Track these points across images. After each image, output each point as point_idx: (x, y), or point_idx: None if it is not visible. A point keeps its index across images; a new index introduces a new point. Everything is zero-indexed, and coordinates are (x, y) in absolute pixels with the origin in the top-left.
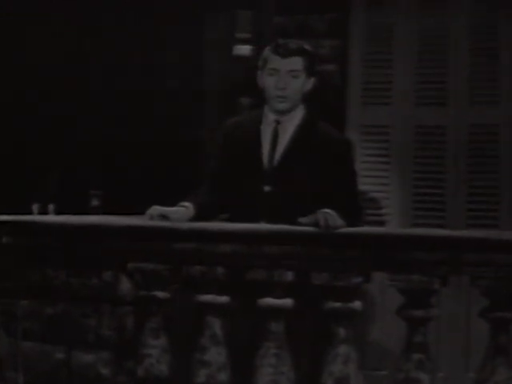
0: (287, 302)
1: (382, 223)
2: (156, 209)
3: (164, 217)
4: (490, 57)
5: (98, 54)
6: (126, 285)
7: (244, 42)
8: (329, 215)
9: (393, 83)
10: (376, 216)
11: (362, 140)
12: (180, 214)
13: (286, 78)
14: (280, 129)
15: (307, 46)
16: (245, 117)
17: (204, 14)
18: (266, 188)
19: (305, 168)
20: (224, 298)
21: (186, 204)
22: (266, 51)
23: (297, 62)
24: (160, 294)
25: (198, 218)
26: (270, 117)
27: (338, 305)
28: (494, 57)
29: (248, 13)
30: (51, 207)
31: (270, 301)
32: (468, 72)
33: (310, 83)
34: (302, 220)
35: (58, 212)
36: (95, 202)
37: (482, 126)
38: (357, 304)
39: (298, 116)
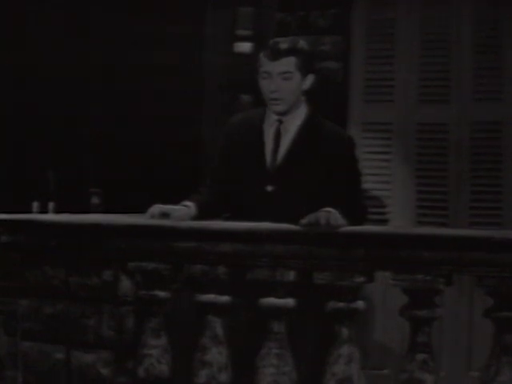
0: (289, 301)
1: (384, 221)
2: (157, 207)
3: (165, 215)
4: (492, 53)
5: (98, 54)
6: (126, 284)
7: (245, 39)
8: (330, 214)
9: (395, 80)
10: (378, 214)
11: (364, 137)
12: (181, 212)
13: (277, 81)
14: (282, 128)
15: (301, 44)
16: (248, 114)
17: (204, 10)
18: (269, 187)
19: (307, 167)
20: (225, 298)
21: (188, 203)
22: (261, 54)
23: (288, 63)
24: (160, 294)
25: (200, 217)
26: (272, 116)
27: (340, 305)
28: (497, 53)
29: (249, 9)
30: (51, 205)
31: (271, 300)
32: (471, 69)
33: (309, 80)
34: (303, 221)
35: (57, 210)
36: (95, 201)
37: (485, 124)
38: (360, 304)
39: (300, 115)
